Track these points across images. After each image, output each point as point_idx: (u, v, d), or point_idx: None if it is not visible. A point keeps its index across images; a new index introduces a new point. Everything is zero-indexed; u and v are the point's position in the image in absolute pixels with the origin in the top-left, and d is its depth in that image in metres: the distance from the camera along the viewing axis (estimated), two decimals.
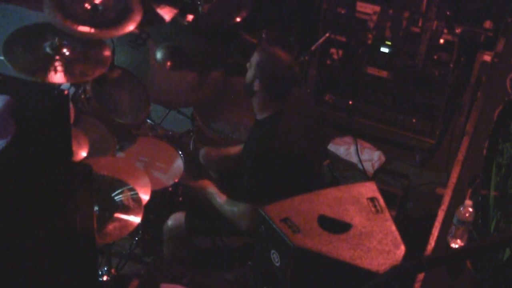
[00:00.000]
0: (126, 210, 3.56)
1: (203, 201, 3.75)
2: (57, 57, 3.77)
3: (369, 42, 4.78)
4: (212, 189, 3.71)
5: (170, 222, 3.84)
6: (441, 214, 3.07)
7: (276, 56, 3.47)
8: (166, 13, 4.18)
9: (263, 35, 4.46)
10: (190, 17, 4.38)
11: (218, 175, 3.96)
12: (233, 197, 3.62)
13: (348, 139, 5.08)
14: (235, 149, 3.87)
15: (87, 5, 3.95)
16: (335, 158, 4.92)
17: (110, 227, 3.48)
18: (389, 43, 4.74)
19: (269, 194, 3.36)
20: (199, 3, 4.37)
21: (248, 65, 3.53)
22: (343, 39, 4.85)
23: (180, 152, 4.22)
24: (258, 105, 3.53)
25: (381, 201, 2.93)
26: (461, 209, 2.85)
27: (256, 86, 3.45)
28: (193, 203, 3.94)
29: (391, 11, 4.66)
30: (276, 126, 3.47)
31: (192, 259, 3.96)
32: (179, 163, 4.17)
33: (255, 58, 3.48)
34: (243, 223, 3.52)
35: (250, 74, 3.49)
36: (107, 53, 3.93)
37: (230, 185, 3.77)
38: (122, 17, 3.95)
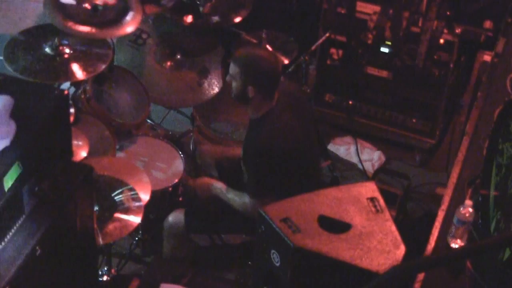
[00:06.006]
0: (126, 210, 3.56)
1: (207, 199, 3.74)
2: (57, 57, 3.77)
3: (369, 42, 4.77)
4: (218, 184, 3.72)
5: (170, 218, 3.85)
6: (441, 214, 3.07)
7: (256, 56, 3.47)
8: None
9: (263, 35, 4.46)
10: (190, 17, 4.38)
11: (219, 172, 3.95)
12: (241, 190, 3.63)
13: (348, 139, 5.07)
14: (235, 151, 3.86)
15: (87, 5, 3.95)
16: (335, 158, 4.91)
17: (110, 227, 3.48)
18: (389, 43, 4.73)
19: (272, 189, 3.44)
20: (199, 3, 4.37)
21: (228, 78, 3.51)
22: (343, 39, 4.85)
23: (180, 152, 4.22)
24: (253, 108, 3.52)
25: (381, 201, 2.94)
26: (461, 209, 2.85)
27: (251, 92, 3.43)
28: (193, 201, 3.94)
29: (391, 11, 4.65)
30: (272, 123, 3.48)
31: (191, 256, 3.96)
32: (179, 163, 4.17)
33: (235, 68, 3.44)
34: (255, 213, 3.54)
35: (237, 84, 3.45)
36: (108, 49, 3.94)
37: (232, 180, 3.76)
38: (122, 17, 3.95)
